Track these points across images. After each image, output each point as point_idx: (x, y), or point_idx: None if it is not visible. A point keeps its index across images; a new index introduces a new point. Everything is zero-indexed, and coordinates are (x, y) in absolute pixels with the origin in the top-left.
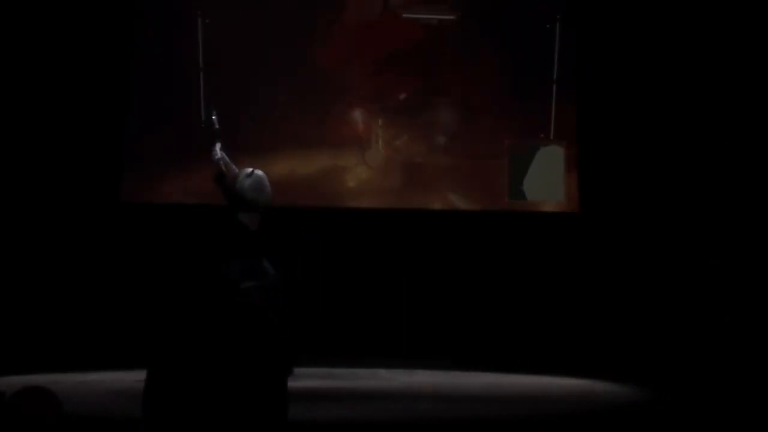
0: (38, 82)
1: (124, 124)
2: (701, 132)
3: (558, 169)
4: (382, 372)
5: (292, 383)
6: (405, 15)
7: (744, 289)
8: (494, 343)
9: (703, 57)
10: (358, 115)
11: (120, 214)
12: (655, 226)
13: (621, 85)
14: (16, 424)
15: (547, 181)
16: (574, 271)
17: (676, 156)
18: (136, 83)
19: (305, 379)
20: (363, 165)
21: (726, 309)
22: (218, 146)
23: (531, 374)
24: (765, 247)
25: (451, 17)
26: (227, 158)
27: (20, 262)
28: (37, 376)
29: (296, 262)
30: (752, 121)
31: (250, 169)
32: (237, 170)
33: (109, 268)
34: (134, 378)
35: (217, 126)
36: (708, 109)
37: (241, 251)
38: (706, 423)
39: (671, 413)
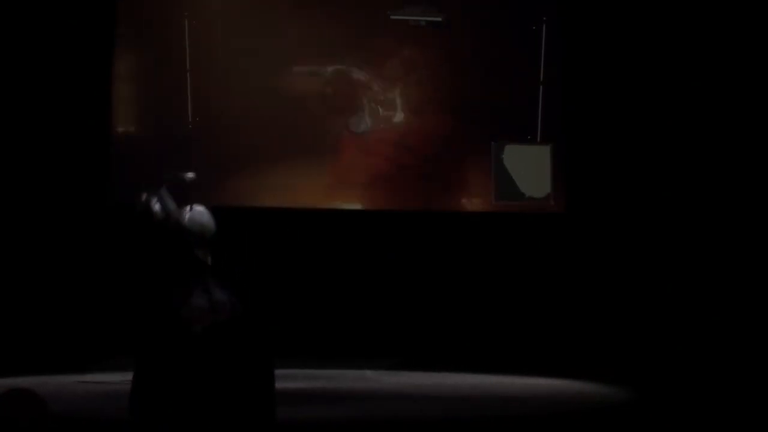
0: (27, 84)
1: (110, 127)
2: (687, 132)
3: (544, 169)
4: (369, 373)
5: (279, 384)
6: (393, 17)
7: (730, 286)
8: (483, 343)
9: (689, 57)
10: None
11: (107, 217)
12: (642, 226)
13: (607, 86)
14: (1, 426)
15: (534, 182)
16: (560, 271)
17: (662, 156)
18: (123, 83)
19: (293, 380)
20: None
21: (712, 307)
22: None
23: (518, 375)
24: (752, 244)
25: (438, 19)
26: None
27: (4, 265)
28: (22, 379)
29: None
30: (739, 120)
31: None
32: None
33: (95, 271)
34: (120, 379)
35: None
36: (694, 109)
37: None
38: (691, 423)
39: (657, 413)
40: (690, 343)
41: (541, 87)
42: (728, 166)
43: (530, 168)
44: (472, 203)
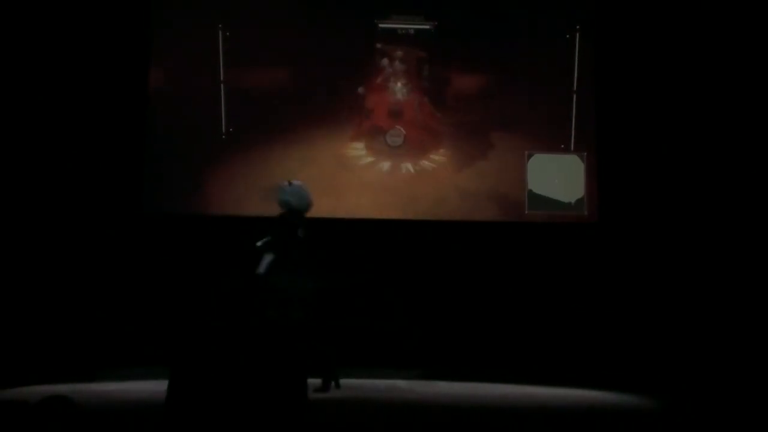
0: (61, 95)
1: (145, 136)
2: (720, 141)
3: (577, 178)
4: (401, 383)
5: (310, 394)
6: (381, 25)
7: (762, 294)
8: (515, 354)
9: (721, 66)
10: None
11: (142, 226)
12: (674, 235)
13: (640, 95)
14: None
15: (567, 191)
16: (593, 280)
17: (694, 165)
18: (157, 94)
19: (321, 390)
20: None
21: (743, 316)
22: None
23: (550, 386)
24: None
25: (427, 27)
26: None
27: (38, 272)
28: (58, 386)
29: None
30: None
31: (287, 181)
32: None
33: (131, 279)
34: (153, 388)
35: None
36: (726, 118)
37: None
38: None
39: (687, 424)
40: (719, 351)
41: (574, 95)
42: (762, 176)
43: (563, 177)
44: (505, 213)
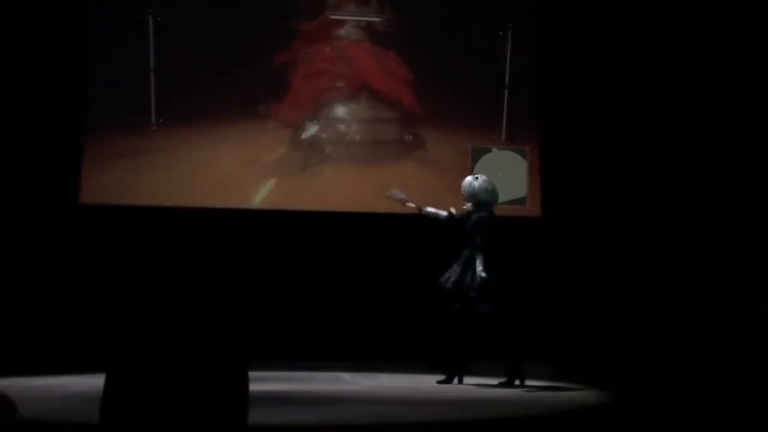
0: None
1: (82, 124)
2: (660, 134)
3: (520, 173)
4: (345, 376)
5: (252, 386)
6: (332, 16)
7: (704, 285)
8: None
9: (659, 59)
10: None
11: (78, 217)
12: (616, 228)
13: (582, 90)
14: None
15: (510, 186)
16: (537, 273)
17: (635, 160)
18: (92, 84)
19: (266, 382)
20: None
21: (682, 309)
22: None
23: (492, 377)
24: (728, 244)
25: (378, 19)
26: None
27: None
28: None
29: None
30: (713, 121)
31: (476, 175)
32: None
33: (67, 271)
34: (91, 382)
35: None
36: (666, 111)
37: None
38: (668, 425)
39: (631, 415)
40: (661, 343)
41: (506, 91)
42: (702, 168)
43: (506, 172)
44: (448, 205)
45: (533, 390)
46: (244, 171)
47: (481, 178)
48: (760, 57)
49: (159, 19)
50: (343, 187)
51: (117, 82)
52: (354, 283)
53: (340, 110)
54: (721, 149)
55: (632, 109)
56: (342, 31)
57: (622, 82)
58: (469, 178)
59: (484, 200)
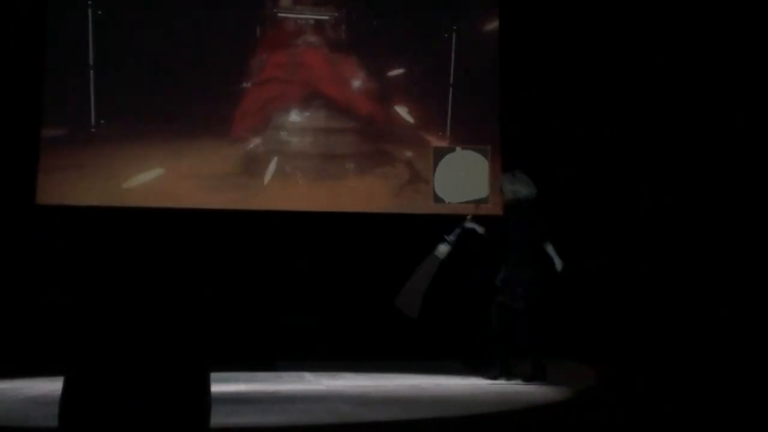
0: None
1: (38, 125)
2: (616, 130)
3: (482, 172)
4: (308, 376)
5: (214, 387)
6: (280, 14)
7: (660, 282)
8: (423, 344)
9: (609, 56)
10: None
11: (33, 217)
12: (575, 225)
13: (543, 90)
14: None
15: (471, 184)
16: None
17: (595, 156)
18: (49, 84)
19: (228, 383)
20: None
21: (638, 301)
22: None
23: (454, 376)
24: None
25: (326, 17)
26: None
27: None
28: None
29: None
30: (667, 116)
31: (511, 172)
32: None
33: (24, 273)
34: (49, 386)
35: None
36: (621, 107)
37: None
38: (623, 419)
39: (586, 412)
40: (628, 339)
41: (450, 88)
42: (661, 163)
43: (469, 171)
44: (410, 205)
45: (498, 387)
46: (187, 181)
47: (519, 173)
48: (717, 56)
49: (99, 12)
50: (297, 195)
51: (63, 79)
52: (312, 284)
53: (292, 119)
54: (680, 145)
55: (589, 108)
56: (296, 37)
57: (581, 80)
58: (507, 175)
59: (525, 196)
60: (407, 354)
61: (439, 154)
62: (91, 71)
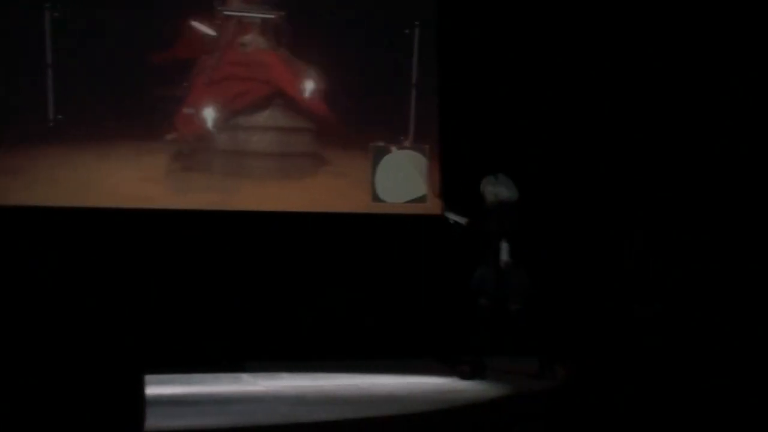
0: None
1: None
2: (560, 133)
3: (420, 171)
4: (245, 376)
5: (149, 390)
6: (225, 12)
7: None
8: (361, 343)
9: (558, 58)
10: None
11: None
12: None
13: (482, 88)
14: None
15: (410, 184)
16: (437, 271)
17: (535, 157)
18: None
19: (164, 385)
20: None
21: (583, 310)
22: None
23: (393, 374)
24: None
25: (272, 16)
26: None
27: None
28: None
29: None
30: (612, 117)
31: (491, 176)
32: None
33: None
34: None
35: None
36: (568, 111)
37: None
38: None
39: (528, 407)
40: (564, 342)
41: (413, 89)
42: (601, 164)
43: (406, 170)
44: (349, 204)
45: (437, 385)
46: (142, 182)
47: (501, 175)
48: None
49: (56, 14)
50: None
51: (16, 77)
52: (257, 284)
53: (245, 119)
54: (616, 141)
55: (532, 108)
56: (247, 36)
57: (522, 81)
58: (489, 178)
59: (507, 198)
60: (349, 353)
61: (379, 153)
62: (49, 69)
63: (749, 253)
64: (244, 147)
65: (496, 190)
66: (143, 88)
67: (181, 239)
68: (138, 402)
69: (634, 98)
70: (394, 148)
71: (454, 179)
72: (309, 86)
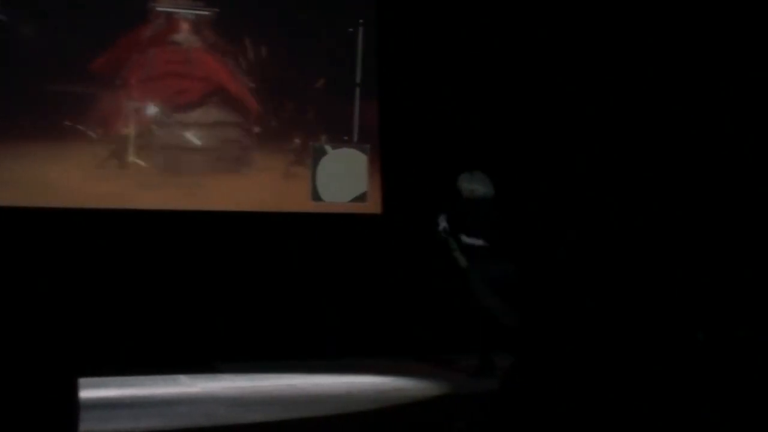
0: None
1: None
2: (501, 134)
3: (361, 170)
4: (183, 378)
5: (84, 393)
6: (158, 8)
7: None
8: (299, 344)
9: (498, 56)
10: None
11: None
12: (459, 225)
13: (422, 89)
14: None
15: (350, 183)
16: (377, 270)
17: (476, 157)
18: None
19: (100, 388)
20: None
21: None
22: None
23: (332, 374)
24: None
25: (206, 12)
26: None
27: None
28: None
29: None
30: (551, 114)
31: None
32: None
33: None
34: None
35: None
36: (509, 107)
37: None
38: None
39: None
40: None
41: (357, 89)
42: (541, 166)
43: (347, 169)
44: (289, 203)
45: (376, 385)
46: (68, 180)
47: (477, 172)
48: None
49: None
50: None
51: None
52: (194, 283)
53: (183, 116)
54: (558, 138)
55: (473, 106)
56: (181, 33)
57: (462, 77)
58: (464, 174)
59: (483, 194)
60: (287, 354)
61: (319, 152)
62: None
63: (684, 243)
64: (183, 144)
65: (472, 186)
66: (75, 86)
67: (117, 238)
68: (71, 406)
69: (579, 96)
70: (328, 147)
71: (396, 178)
72: (247, 84)
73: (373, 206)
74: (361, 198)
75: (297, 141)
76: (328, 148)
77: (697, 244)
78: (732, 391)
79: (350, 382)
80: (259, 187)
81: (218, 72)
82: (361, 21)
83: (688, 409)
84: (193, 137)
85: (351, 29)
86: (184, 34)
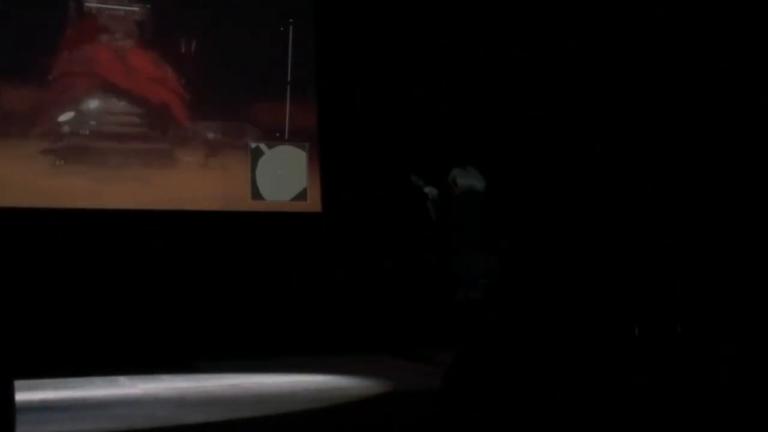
0: None
1: None
2: (440, 129)
3: (300, 168)
4: (122, 379)
5: (19, 396)
6: (87, 4)
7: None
8: (242, 343)
9: (438, 52)
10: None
11: None
12: (397, 224)
13: (360, 87)
14: None
15: (290, 181)
16: (317, 269)
17: (414, 154)
18: None
19: (36, 390)
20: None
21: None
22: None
23: (278, 373)
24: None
25: (135, 9)
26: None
27: None
28: None
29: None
30: (492, 114)
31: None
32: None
33: None
34: None
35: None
36: (446, 102)
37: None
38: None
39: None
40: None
41: (288, 87)
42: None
43: (286, 168)
44: (228, 202)
45: (317, 384)
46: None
47: (470, 167)
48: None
49: None
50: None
51: None
52: (131, 284)
53: (99, 114)
54: (501, 138)
55: (412, 105)
56: (105, 30)
57: (402, 79)
58: (458, 169)
59: (477, 189)
60: (229, 353)
61: (258, 150)
62: None
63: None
64: (117, 141)
65: (465, 181)
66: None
67: (51, 238)
68: (7, 408)
69: (528, 94)
70: (264, 147)
71: (335, 175)
72: (178, 81)
73: (313, 204)
74: (301, 196)
75: (232, 139)
76: (263, 147)
77: (643, 241)
78: (670, 386)
79: (293, 381)
80: (200, 186)
81: (150, 68)
82: (291, 20)
83: (626, 399)
84: (127, 133)
85: (282, 28)
86: (116, 30)
